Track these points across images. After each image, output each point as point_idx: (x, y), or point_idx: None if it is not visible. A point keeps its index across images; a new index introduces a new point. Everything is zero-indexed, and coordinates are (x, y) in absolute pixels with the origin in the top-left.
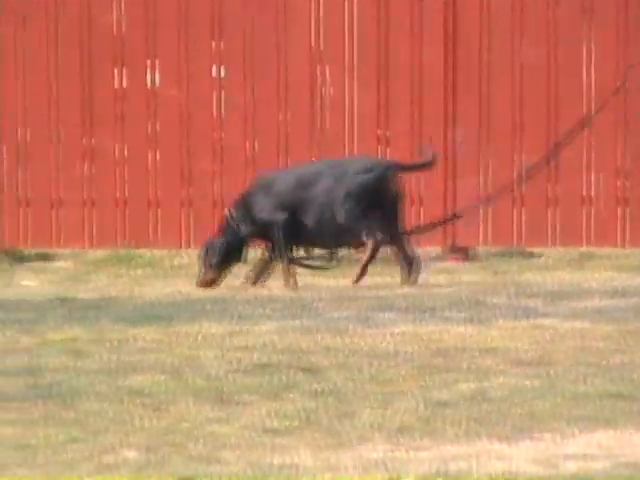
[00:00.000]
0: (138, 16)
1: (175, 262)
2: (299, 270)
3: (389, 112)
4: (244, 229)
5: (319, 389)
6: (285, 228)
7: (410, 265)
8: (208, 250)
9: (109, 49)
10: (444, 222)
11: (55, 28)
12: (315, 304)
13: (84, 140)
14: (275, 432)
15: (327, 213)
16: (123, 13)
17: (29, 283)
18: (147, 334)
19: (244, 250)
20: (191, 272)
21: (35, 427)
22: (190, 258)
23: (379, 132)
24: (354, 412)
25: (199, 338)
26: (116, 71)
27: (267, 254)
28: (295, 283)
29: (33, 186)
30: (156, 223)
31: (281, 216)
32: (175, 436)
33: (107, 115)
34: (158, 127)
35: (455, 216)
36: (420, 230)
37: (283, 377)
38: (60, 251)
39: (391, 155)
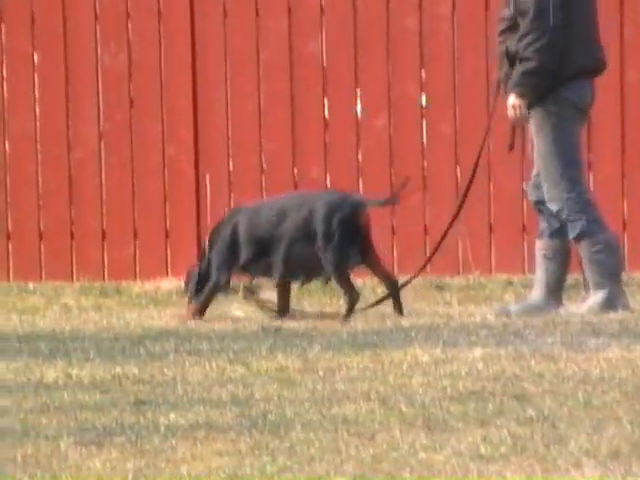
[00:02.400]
0: (342, 44)
1: (379, 291)
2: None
3: None
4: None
5: (529, 416)
6: (250, 265)
7: (392, 287)
8: (188, 281)
9: (314, 78)
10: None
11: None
12: (523, 330)
13: (294, 170)
14: (485, 459)
15: (296, 248)
16: (326, 41)
17: (239, 313)
18: (356, 362)
19: None
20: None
21: (245, 457)
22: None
23: None
24: (564, 438)
25: (408, 366)
26: (324, 100)
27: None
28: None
29: None
30: None
31: (246, 253)
32: (385, 464)
33: (314, 144)
34: (361, 156)
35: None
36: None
37: (492, 404)
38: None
39: None
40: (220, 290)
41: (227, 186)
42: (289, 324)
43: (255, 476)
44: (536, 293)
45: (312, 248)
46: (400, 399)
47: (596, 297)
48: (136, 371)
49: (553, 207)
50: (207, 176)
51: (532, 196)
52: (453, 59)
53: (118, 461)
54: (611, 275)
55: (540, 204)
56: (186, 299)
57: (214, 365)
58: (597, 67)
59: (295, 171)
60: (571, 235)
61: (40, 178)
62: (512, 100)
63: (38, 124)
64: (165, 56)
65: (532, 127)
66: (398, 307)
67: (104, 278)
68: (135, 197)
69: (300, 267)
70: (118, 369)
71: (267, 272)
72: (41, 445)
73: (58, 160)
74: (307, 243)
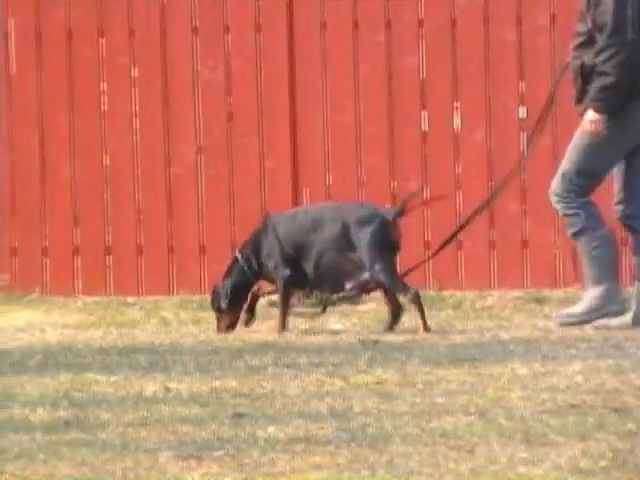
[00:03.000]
0: (440, 57)
1: (478, 304)
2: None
3: None
4: (251, 271)
5: (629, 429)
6: (288, 275)
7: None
8: (215, 294)
9: (412, 91)
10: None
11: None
12: (624, 343)
13: (392, 183)
14: (585, 473)
15: (331, 259)
16: (424, 54)
17: (338, 326)
18: (455, 375)
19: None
20: (495, 313)
21: (343, 471)
22: (495, 299)
23: None
24: None
25: (507, 379)
26: (422, 114)
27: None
28: (285, 327)
29: None
30: (462, 264)
31: (284, 264)
32: (484, 478)
33: (412, 158)
34: (460, 169)
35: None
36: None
37: (592, 417)
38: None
39: None
40: (290, 290)
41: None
42: (387, 338)
43: None
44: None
45: (348, 260)
46: (499, 412)
47: (594, 292)
48: (235, 384)
49: (553, 199)
50: (306, 190)
51: (618, 213)
52: (551, 71)
53: (217, 475)
54: (609, 271)
55: (629, 219)
56: (216, 315)
57: (313, 378)
58: None
59: (393, 184)
60: (570, 231)
61: (139, 193)
62: (590, 115)
63: (137, 138)
64: (264, 70)
65: (583, 121)
66: (423, 322)
67: (202, 292)
68: (233, 211)
69: (332, 279)
70: (217, 382)
71: (301, 283)
72: (140, 458)
73: (157, 175)
74: (343, 255)
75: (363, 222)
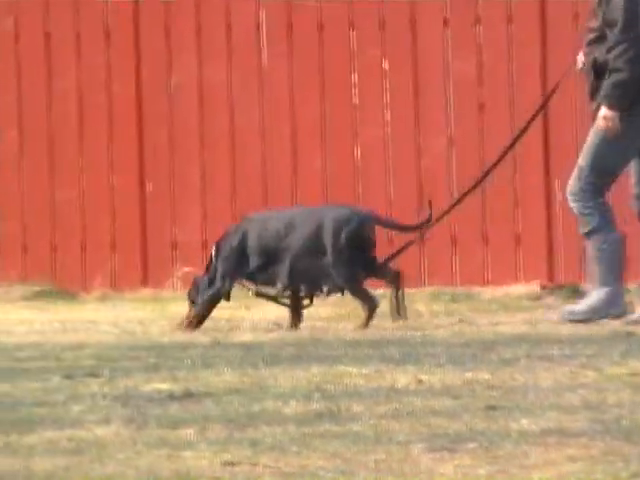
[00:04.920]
0: (498, 64)
1: None
2: None
3: None
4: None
5: None
6: (259, 274)
7: (397, 299)
8: (194, 286)
9: (468, 95)
10: (403, 249)
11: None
12: None
13: None
14: None
15: (303, 260)
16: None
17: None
18: None
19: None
20: None
21: (597, 463)
22: None
23: None
24: None
25: None
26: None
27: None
28: None
29: None
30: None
31: (255, 262)
32: None
33: None
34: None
35: (411, 243)
36: (389, 259)
37: None
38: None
39: None
40: (220, 298)
41: None
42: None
43: None
44: None
45: (318, 261)
46: None
47: (599, 293)
48: (487, 376)
49: (569, 199)
50: (557, 182)
51: (636, 207)
52: None
53: (470, 467)
54: (617, 274)
55: None
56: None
57: (566, 370)
58: None
59: None
60: (582, 230)
61: (390, 185)
62: (604, 112)
63: (389, 130)
64: (516, 62)
65: (598, 119)
66: (401, 309)
67: (455, 284)
68: (484, 203)
69: (305, 279)
70: (469, 375)
71: (272, 281)
72: (392, 450)
73: (407, 166)
74: (314, 256)
75: (335, 224)
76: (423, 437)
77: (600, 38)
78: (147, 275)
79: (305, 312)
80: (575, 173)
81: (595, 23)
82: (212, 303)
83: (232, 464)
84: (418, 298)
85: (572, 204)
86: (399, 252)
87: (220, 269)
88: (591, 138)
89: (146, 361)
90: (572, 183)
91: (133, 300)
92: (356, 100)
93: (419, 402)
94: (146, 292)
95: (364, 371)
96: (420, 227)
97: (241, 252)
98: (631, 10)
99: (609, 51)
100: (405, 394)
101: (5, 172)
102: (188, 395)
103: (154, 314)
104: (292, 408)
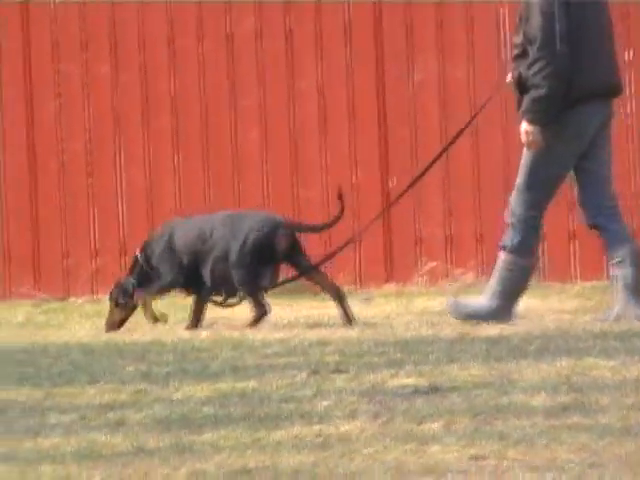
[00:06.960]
0: None
1: None
2: None
3: None
4: (149, 271)
5: None
6: (179, 279)
7: (339, 297)
8: (117, 288)
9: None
10: (342, 248)
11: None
12: None
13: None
14: None
15: (221, 264)
16: None
17: None
18: None
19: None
20: None
21: None
22: None
23: None
24: None
25: None
26: None
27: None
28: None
29: None
30: None
31: (176, 268)
32: None
33: None
34: None
35: (351, 240)
36: (323, 261)
37: None
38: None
39: None
40: (168, 289)
41: None
42: None
43: None
44: None
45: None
46: None
47: None
48: None
49: (505, 214)
50: None
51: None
52: None
53: None
54: (512, 294)
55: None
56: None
57: None
58: (608, 91)
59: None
60: (503, 243)
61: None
62: (524, 126)
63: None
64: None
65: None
66: (347, 316)
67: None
68: None
69: (222, 283)
70: None
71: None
72: None
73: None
74: (226, 260)
75: (246, 229)
76: None
77: (524, 53)
78: (392, 271)
79: (549, 306)
80: (514, 190)
81: (518, 39)
82: (159, 293)
83: (479, 458)
84: None
85: (508, 220)
86: (335, 253)
87: (162, 267)
88: (523, 155)
89: (391, 356)
90: (511, 199)
91: (377, 296)
92: None
93: None
94: (390, 287)
95: (611, 363)
96: (334, 223)
97: (173, 253)
98: (548, 28)
99: (529, 67)
100: None
101: (247, 172)
102: (434, 389)
103: (399, 309)
104: (539, 401)
